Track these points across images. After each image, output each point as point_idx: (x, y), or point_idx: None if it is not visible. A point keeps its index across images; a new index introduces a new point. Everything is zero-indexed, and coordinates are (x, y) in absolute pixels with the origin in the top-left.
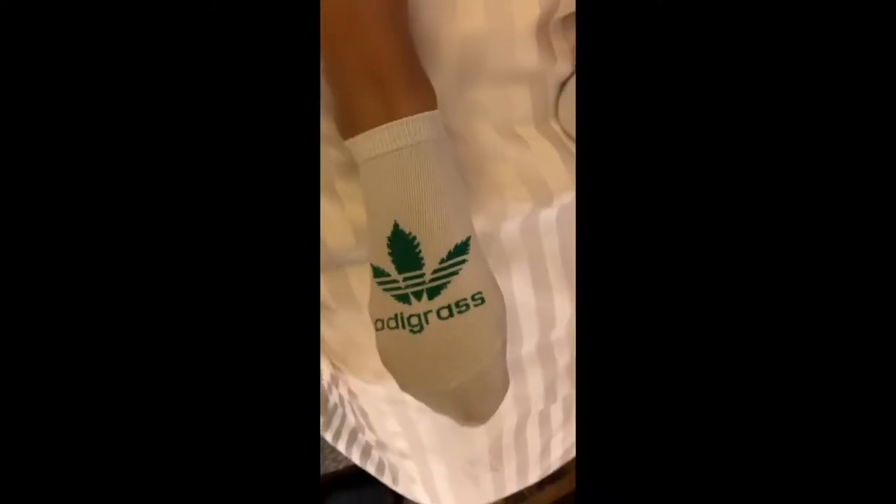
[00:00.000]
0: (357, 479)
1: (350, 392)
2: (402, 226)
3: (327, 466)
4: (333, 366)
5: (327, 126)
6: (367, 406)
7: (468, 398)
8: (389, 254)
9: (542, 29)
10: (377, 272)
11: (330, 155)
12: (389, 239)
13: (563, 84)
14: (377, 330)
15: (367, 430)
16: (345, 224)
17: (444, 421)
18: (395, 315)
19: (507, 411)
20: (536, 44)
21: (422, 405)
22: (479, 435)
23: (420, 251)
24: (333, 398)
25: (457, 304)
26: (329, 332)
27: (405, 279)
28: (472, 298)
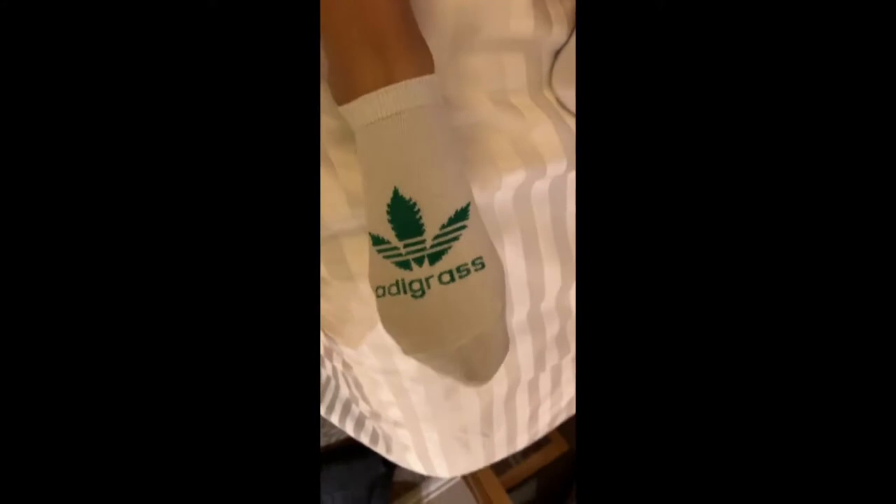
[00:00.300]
0: (349, 451)
1: (344, 363)
2: (402, 192)
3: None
4: (328, 337)
5: (323, 95)
6: (362, 377)
7: (471, 359)
8: (389, 221)
9: None
10: (376, 240)
11: (324, 123)
12: (389, 206)
13: (558, 53)
14: (378, 297)
15: (360, 402)
16: (339, 193)
17: (437, 390)
18: (397, 281)
19: (499, 379)
20: (532, 9)
21: (415, 375)
22: (470, 403)
23: (421, 217)
24: (326, 371)
25: (458, 269)
26: (324, 303)
27: (406, 245)
28: (473, 263)
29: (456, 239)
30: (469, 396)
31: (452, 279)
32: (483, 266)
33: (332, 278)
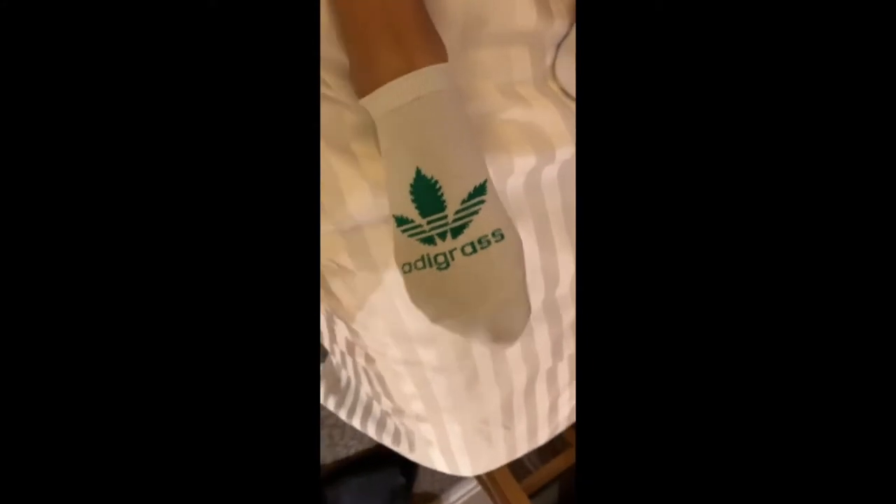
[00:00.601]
0: (367, 463)
1: (367, 357)
2: (424, 171)
3: (337, 453)
4: (350, 330)
5: (342, 91)
6: (384, 370)
7: (496, 322)
8: (413, 200)
9: None
10: (400, 221)
11: (345, 118)
12: (412, 185)
13: (559, 45)
14: (405, 273)
15: (382, 398)
16: (362, 184)
17: (458, 380)
18: (422, 256)
19: (517, 368)
20: (535, 3)
21: (436, 365)
22: (491, 393)
23: (442, 194)
24: (347, 373)
25: (479, 241)
26: (348, 296)
27: (429, 222)
28: (493, 235)
29: (476, 213)
30: (490, 386)
31: (475, 250)
32: (503, 237)
33: (356, 269)
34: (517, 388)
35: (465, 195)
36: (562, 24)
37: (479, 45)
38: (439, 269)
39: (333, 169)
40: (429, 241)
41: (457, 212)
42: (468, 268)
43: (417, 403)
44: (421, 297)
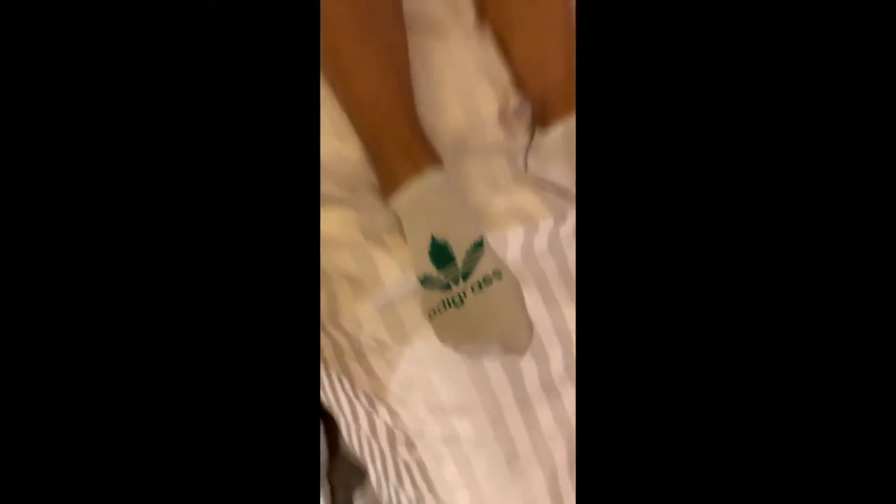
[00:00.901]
0: None
1: (408, 442)
2: (436, 237)
3: None
4: (390, 411)
5: (375, 202)
6: (425, 453)
7: (507, 340)
8: (431, 260)
9: (503, 115)
10: (423, 280)
11: (377, 221)
12: (429, 249)
13: (527, 150)
14: (431, 319)
15: (427, 497)
16: (394, 265)
17: (498, 456)
18: (442, 301)
19: (553, 440)
20: (500, 126)
21: (473, 438)
22: (533, 470)
23: (452, 250)
24: (387, 491)
25: (483, 280)
26: (387, 373)
27: (444, 273)
28: (493, 274)
29: (478, 259)
30: (530, 462)
31: (481, 287)
32: (501, 276)
33: (393, 343)
34: (560, 463)
35: (469, 247)
36: (523, 137)
37: (465, 157)
38: (456, 307)
39: (372, 257)
40: (446, 287)
41: (464, 261)
42: (478, 301)
43: (462, 493)
44: (445, 333)
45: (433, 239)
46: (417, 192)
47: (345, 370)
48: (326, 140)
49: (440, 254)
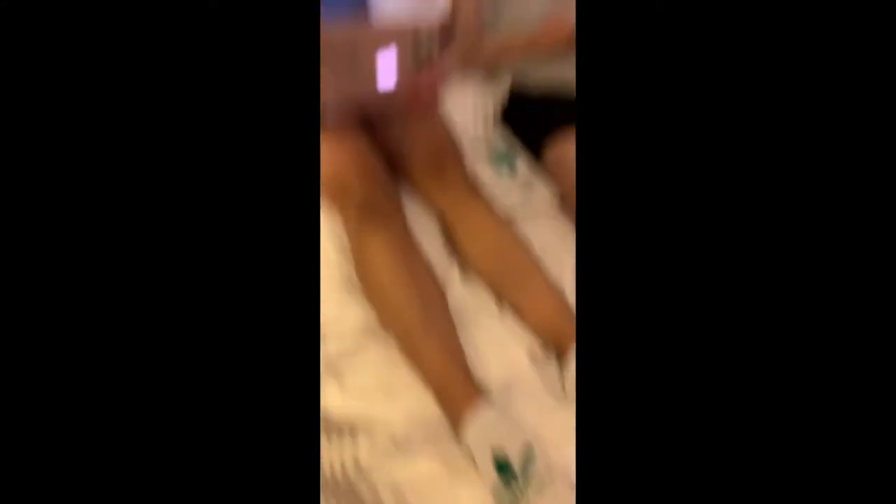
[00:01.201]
0: None
1: None
2: (496, 454)
3: None
4: None
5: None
6: None
7: None
8: (497, 475)
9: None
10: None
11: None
12: (495, 464)
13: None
14: None
15: None
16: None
17: None
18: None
19: None
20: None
21: None
22: None
23: (512, 464)
24: None
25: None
26: None
27: (506, 485)
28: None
29: (531, 471)
30: None
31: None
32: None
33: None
34: None
35: (520, 460)
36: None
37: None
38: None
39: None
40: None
41: (520, 474)
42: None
43: None
44: None
45: (495, 455)
46: (474, 426)
47: None
48: None
49: (502, 468)
